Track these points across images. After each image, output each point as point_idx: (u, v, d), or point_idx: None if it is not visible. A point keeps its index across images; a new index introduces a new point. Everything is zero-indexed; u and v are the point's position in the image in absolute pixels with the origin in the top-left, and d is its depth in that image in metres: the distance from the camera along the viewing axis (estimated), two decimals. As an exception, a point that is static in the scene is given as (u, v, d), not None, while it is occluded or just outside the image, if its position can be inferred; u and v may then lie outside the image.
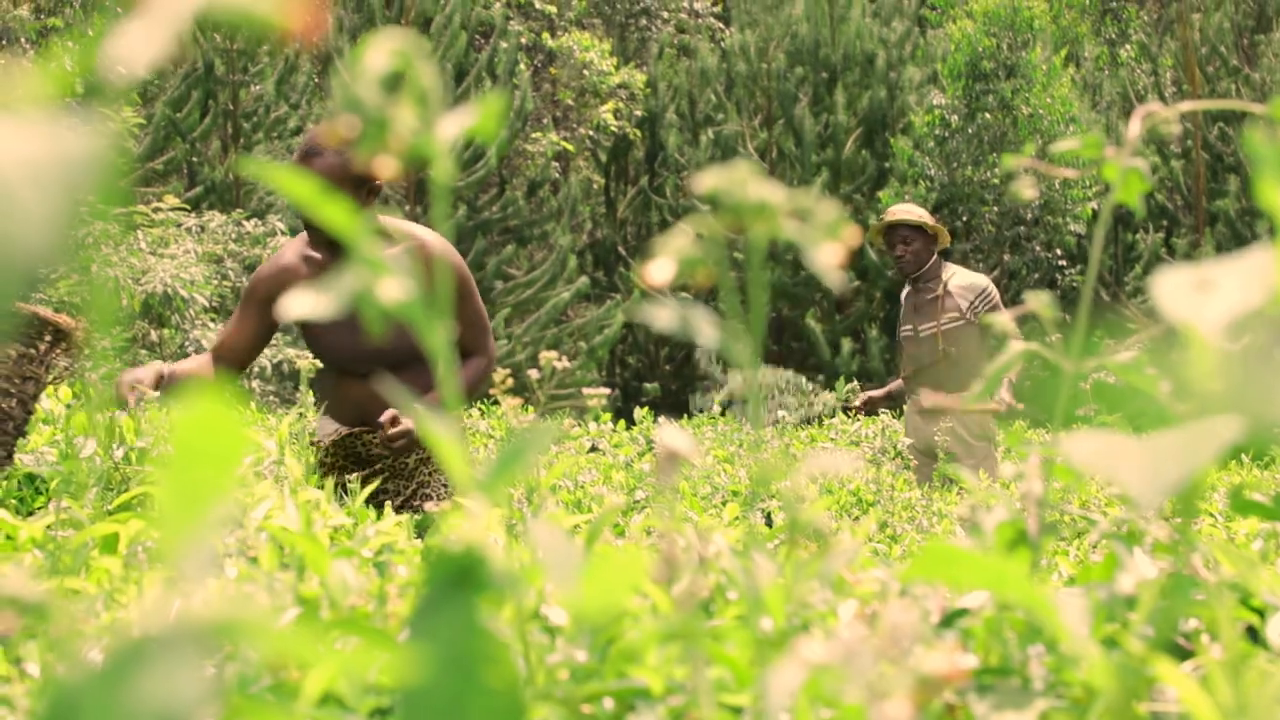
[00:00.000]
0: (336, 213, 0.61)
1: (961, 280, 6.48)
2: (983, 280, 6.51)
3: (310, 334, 3.84)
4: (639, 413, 7.99)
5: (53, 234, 0.35)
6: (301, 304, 0.63)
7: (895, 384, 6.89)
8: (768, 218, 0.65)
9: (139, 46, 0.44)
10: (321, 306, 0.62)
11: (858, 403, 6.91)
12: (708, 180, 0.66)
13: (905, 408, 6.82)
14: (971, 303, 6.38)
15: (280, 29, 0.46)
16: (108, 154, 0.36)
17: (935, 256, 6.55)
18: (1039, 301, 1.11)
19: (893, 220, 6.53)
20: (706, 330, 0.67)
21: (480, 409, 8.43)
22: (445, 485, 3.86)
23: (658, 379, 23.18)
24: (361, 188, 3.59)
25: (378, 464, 3.82)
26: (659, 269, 0.67)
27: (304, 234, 3.85)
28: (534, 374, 2.01)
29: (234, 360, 3.82)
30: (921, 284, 6.55)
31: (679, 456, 0.77)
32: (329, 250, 3.71)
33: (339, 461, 3.78)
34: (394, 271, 0.63)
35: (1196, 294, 0.66)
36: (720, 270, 0.67)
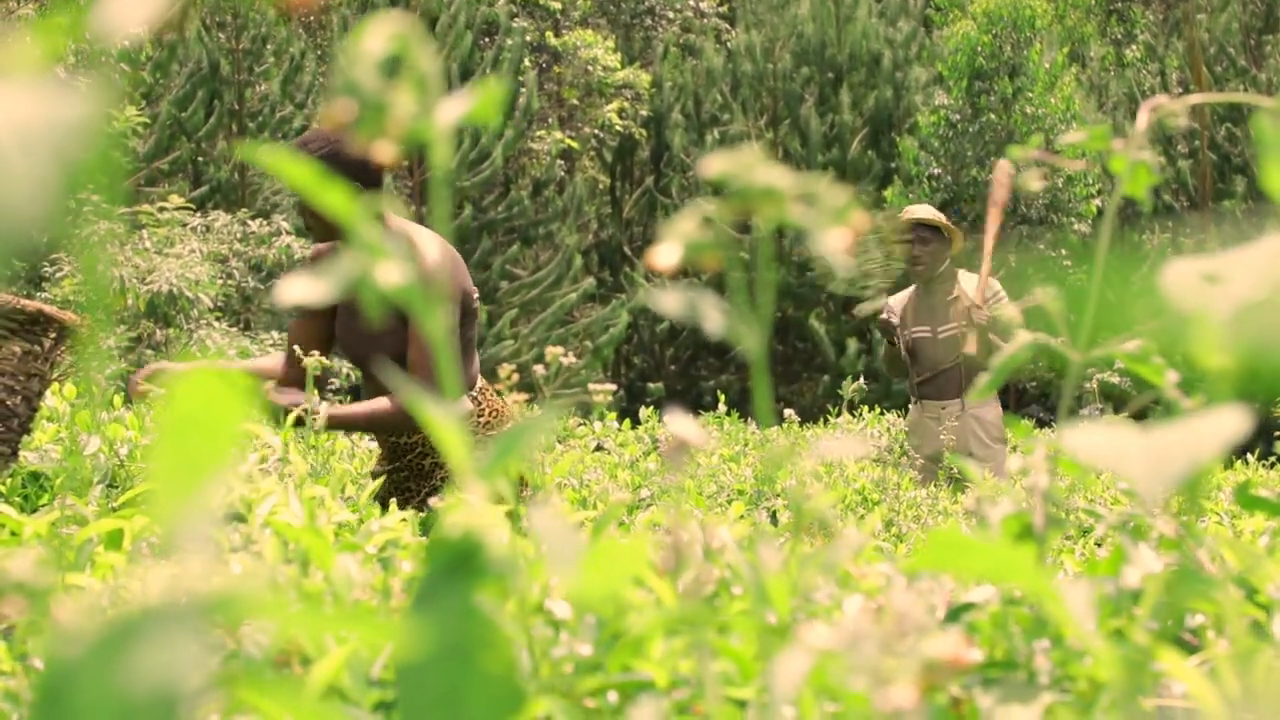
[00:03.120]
0: (335, 198, 0.61)
1: (968, 284, 6.37)
2: (987, 280, 6.39)
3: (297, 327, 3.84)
4: (644, 412, 7.98)
5: (45, 199, 0.35)
6: (296, 290, 0.62)
7: (897, 329, 6.63)
8: (776, 202, 0.64)
9: (132, 7, 0.43)
10: (315, 292, 0.62)
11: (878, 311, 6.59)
12: (715, 165, 0.66)
13: (912, 411, 6.71)
14: (986, 300, 6.24)
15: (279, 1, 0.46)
16: (99, 118, 0.36)
17: (949, 261, 6.47)
18: (1046, 296, 1.10)
19: (911, 220, 6.45)
20: (713, 316, 0.67)
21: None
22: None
23: (663, 379, 23.17)
24: (355, 179, 3.55)
25: (392, 463, 3.81)
26: (665, 253, 0.67)
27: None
28: (540, 370, 2.01)
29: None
30: (936, 285, 6.46)
31: (688, 445, 0.76)
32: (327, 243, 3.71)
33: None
34: (392, 256, 0.62)
35: (1204, 285, 0.66)
36: (728, 256, 0.67)
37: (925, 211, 6.47)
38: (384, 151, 0.62)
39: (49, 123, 0.36)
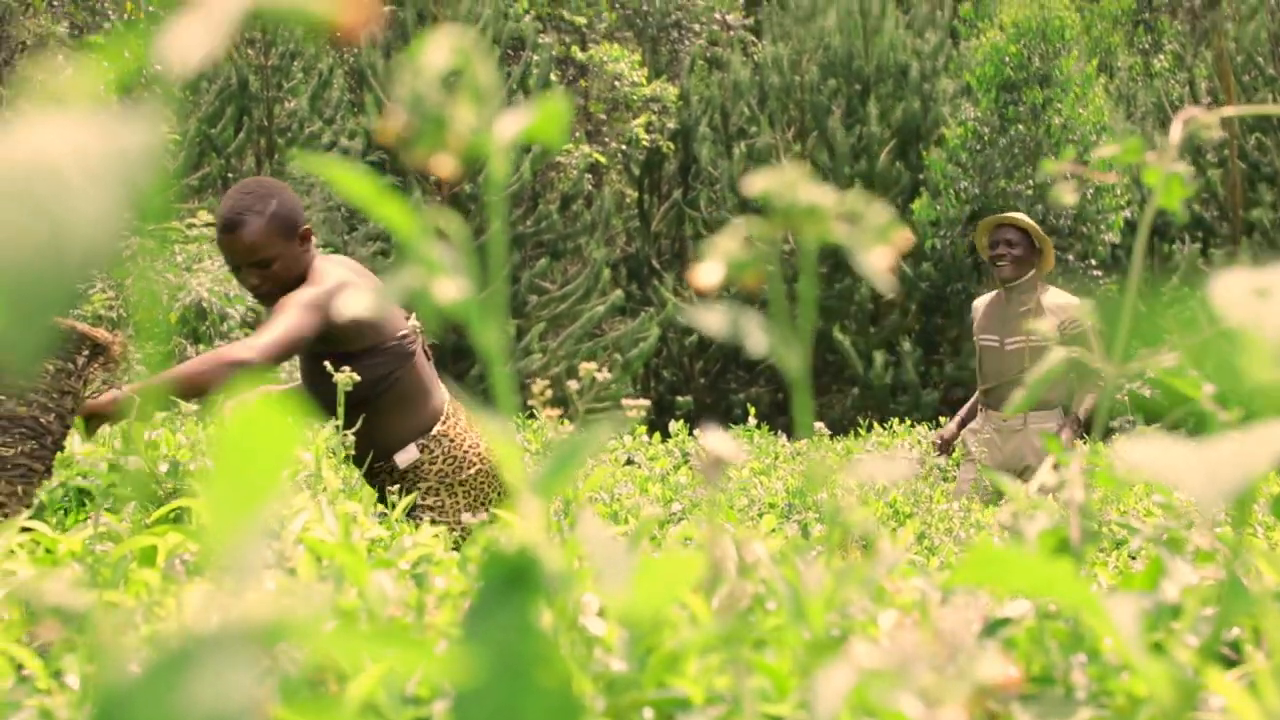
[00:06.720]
0: (392, 210, 0.62)
1: (1055, 300, 6.25)
2: (1075, 302, 6.24)
3: None
4: (674, 426, 7.97)
5: (109, 227, 0.35)
6: (357, 302, 0.63)
7: (964, 411, 6.64)
8: (819, 220, 0.65)
9: (191, 42, 0.43)
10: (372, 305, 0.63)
11: (937, 440, 6.67)
12: (758, 183, 0.66)
13: (977, 420, 6.60)
14: (1061, 323, 6.12)
15: (331, 25, 0.46)
16: (159, 147, 0.36)
17: (1034, 271, 6.35)
18: (1083, 310, 1.10)
19: (1001, 220, 6.39)
20: (755, 334, 0.67)
21: (515, 422, 8.43)
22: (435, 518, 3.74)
23: (692, 392, 23.14)
24: (292, 235, 3.59)
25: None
26: (708, 271, 0.67)
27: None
28: (573, 385, 2.01)
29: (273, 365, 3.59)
30: (1015, 295, 6.36)
31: (723, 461, 0.76)
32: None
33: None
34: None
35: (1254, 299, 0.66)
36: (769, 274, 0.67)
37: (1017, 216, 6.41)
38: (443, 165, 0.62)
39: (113, 151, 0.36)
